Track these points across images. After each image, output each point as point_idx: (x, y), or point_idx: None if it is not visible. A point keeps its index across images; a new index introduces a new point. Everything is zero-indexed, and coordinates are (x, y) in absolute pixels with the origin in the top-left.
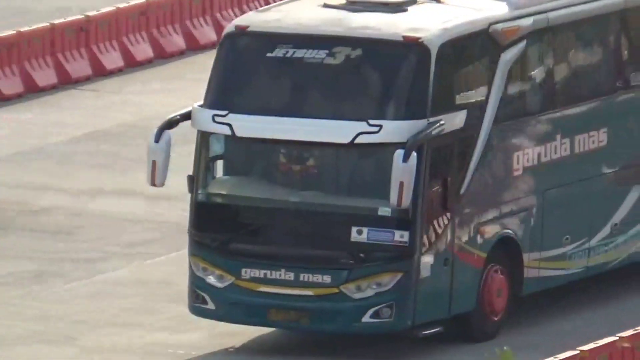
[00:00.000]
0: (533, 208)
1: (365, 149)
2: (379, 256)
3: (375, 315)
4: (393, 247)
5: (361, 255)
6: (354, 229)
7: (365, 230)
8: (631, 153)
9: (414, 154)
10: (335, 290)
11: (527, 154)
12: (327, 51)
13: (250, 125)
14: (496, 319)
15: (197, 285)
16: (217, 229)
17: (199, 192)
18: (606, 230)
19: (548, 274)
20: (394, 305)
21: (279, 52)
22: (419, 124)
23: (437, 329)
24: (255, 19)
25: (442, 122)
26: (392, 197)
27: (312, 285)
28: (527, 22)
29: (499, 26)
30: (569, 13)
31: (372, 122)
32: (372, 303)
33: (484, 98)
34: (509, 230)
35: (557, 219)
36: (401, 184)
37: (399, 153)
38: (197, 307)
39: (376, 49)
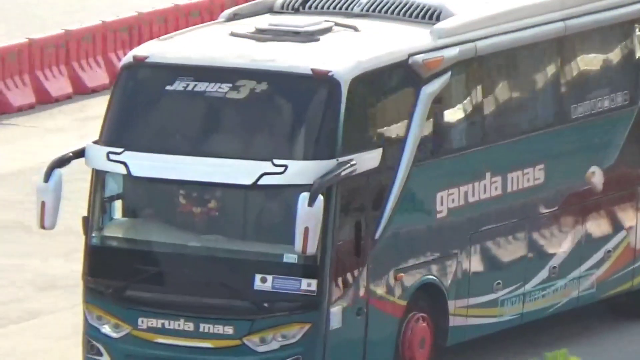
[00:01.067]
0: (460, 252)
1: (270, 191)
2: (284, 306)
3: None
4: (300, 296)
5: (265, 305)
6: (258, 277)
7: (269, 278)
8: (571, 191)
9: (321, 197)
10: (238, 342)
11: (452, 195)
12: (230, 85)
13: (147, 164)
14: None
15: (91, 335)
16: (112, 275)
17: (93, 235)
18: (543, 273)
19: (477, 322)
20: (301, 359)
21: (179, 85)
22: (327, 164)
23: None
24: (155, 49)
25: (353, 162)
26: (296, 244)
27: (212, 337)
28: (452, 52)
29: (420, 57)
30: (501, 41)
31: (277, 162)
32: (278, 357)
33: (402, 135)
34: (432, 277)
35: (487, 263)
36: (306, 230)
37: (304, 196)
38: (91, 359)
39: (283, 83)
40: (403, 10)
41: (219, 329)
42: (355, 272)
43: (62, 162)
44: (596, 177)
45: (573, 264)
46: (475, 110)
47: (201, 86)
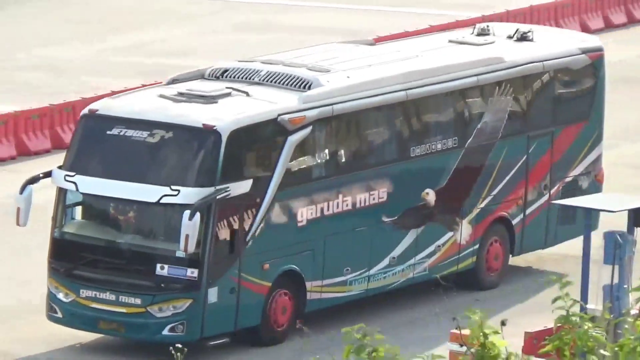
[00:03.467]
0: (316, 249)
1: (168, 207)
2: (175, 287)
3: (172, 330)
4: (186, 280)
5: (162, 285)
6: (158, 265)
7: (166, 267)
8: (408, 205)
9: (198, 213)
10: (143, 310)
11: (310, 210)
12: (148, 132)
13: (90, 184)
14: (280, 329)
15: (51, 299)
16: (65, 258)
17: (55, 230)
18: (385, 262)
19: (329, 296)
20: (186, 323)
21: (115, 131)
22: (207, 190)
23: (225, 339)
24: (104, 104)
25: (228, 189)
26: (181, 245)
27: (127, 305)
28: (313, 112)
29: (286, 116)
30: (352, 105)
31: (173, 187)
32: (170, 321)
33: (271, 169)
34: (293, 266)
35: (338, 255)
36: (187, 236)
37: (187, 212)
38: (51, 315)
39: (183, 133)
40: (286, 81)
41: (131, 300)
42: (230, 264)
43: (33, 180)
44: (429, 196)
45: (409, 254)
46: (333, 151)
47: (129, 132)
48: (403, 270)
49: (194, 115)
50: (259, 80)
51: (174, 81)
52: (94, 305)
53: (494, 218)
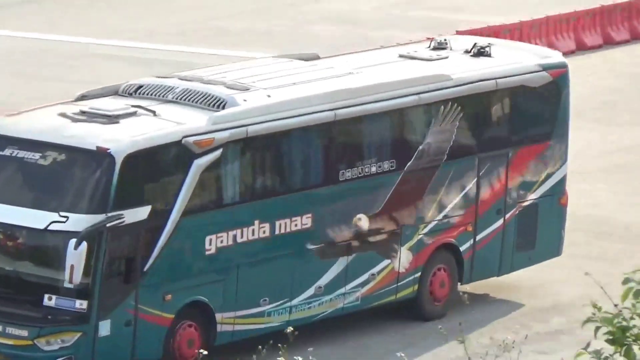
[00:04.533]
0: (227, 278)
1: (56, 234)
2: (64, 319)
3: None
4: (74, 312)
5: (49, 317)
6: (46, 296)
7: (54, 297)
8: (337, 232)
9: (84, 242)
10: (30, 342)
11: (220, 237)
12: (40, 154)
13: None
14: None
15: None
16: None
17: None
18: (310, 291)
19: (244, 328)
20: (74, 358)
21: (7, 152)
22: (98, 217)
23: None
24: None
25: (122, 216)
26: (66, 276)
27: (13, 337)
28: (224, 134)
29: (191, 138)
30: (270, 126)
31: (62, 213)
32: (58, 355)
33: (173, 195)
34: (200, 296)
35: (253, 285)
36: (72, 266)
37: (72, 241)
38: None
39: (76, 155)
40: (200, 99)
41: (18, 331)
42: (125, 295)
43: None
44: (362, 221)
45: (338, 283)
46: (248, 175)
47: (22, 153)
48: (331, 300)
49: (89, 136)
50: (173, 98)
51: (82, 97)
52: None
53: (439, 244)
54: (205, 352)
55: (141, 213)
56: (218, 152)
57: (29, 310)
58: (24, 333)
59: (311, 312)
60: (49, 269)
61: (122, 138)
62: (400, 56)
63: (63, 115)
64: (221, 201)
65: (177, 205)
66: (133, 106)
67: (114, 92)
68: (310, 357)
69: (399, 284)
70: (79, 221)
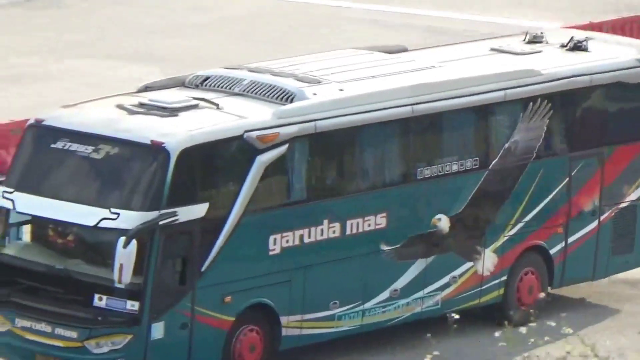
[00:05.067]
0: (293, 280)
1: (107, 232)
2: (114, 320)
3: None
4: (125, 313)
5: (99, 318)
6: (96, 296)
7: (104, 298)
8: (413, 232)
9: (134, 241)
10: (80, 344)
11: (286, 237)
12: (93, 147)
13: (27, 203)
14: None
15: None
16: (3, 283)
17: None
18: (385, 294)
19: (312, 332)
20: None
21: (59, 144)
22: (150, 215)
23: None
24: (52, 115)
25: (176, 213)
26: (115, 276)
27: (63, 338)
28: (291, 129)
29: (254, 133)
30: (342, 122)
31: (113, 210)
32: (108, 358)
33: (234, 192)
34: (263, 299)
35: (323, 287)
36: (121, 266)
37: (121, 240)
38: None
39: (129, 149)
40: (268, 92)
41: (67, 333)
42: (180, 296)
43: None
44: (442, 222)
45: (415, 287)
46: (316, 171)
47: (74, 147)
48: (408, 305)
49: (144, 130)
50: (240, 90)
51: (146, 89)
52: (30, 336)
53: (527, 247)
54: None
55: (197, 211)
56: (284, 148)
57: (79, 310)
58: (74, 334)
59: (386, 316)
60: (99, 267)
61: (178, 132)
62: (492, 49)
63: (120, 107)
64: (287, 199)
65: (238, 203)
66: (195, 99)
67: (181, 83)
68: None
69: (482, 287)
70: (130, 218)
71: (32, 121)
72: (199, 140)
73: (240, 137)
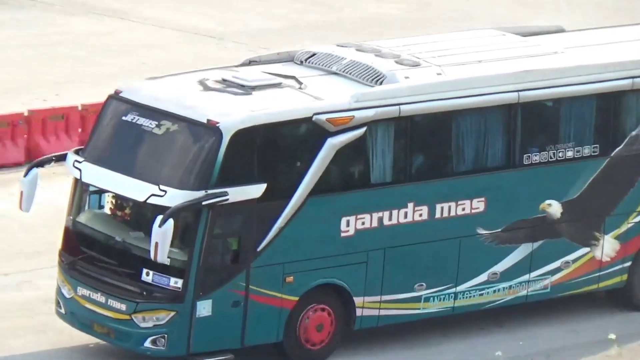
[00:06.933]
0: (369, 261)
1: (155, 208)
2: (159, 296)
3: (153, 342)
4: (169, 290)
5: (144, 293)
6: (144, 270)
7: (151, 273)
8: (518, 217)
9: (171, 220)
10: (128, 317)
11: (362, 219)
12: (157, 122)
13: (92, 173)
14: (315, 348)
15: (58, 293)
16: (70, 251)
17: (67, 219)
18: (482, 277)
19: (392, 313)
20: (167, 337)
21: (129, 117)
22: (195, 194)
23: (228, 356)
24: (130, 87)
25: (225, 194)
26: (151, 254)
27: (113, 310)
28: (368, 112)
29: (324, 116)
30: (425, 107)
31: (162, 187)
32: (151, 333)
33: (299, 173)
34: (334, 279)
35: (404, 270)
36: (156, 244)
37: (158, 218)
38: (57, 310)
39: (187, 127)
40: (361, 73)
41: (117, 305)
42: (231, 275)
43: (41, 163)
44: (552, 208)
45: (518, 271)
46: (399, 155)
47: (141, 121)
48: (510, 288)
49: (205, 108)
50: (337, 69)
51: (250, 62)
52: (88, 305)
53: None
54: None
55: (253, 191)
56: (360, 131)
57: (129, 284)
58: (123, 307)
59: (483, 299)
60: (148, 243)
61: (237, 112)
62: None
63: (200, 82)
64: (363, 182)
65: (304, 185)
66: (285, 76)
67: (290, 58)
68: None
69: (601, 273)
70: (175, 196)
71: (112, 92)
72: (259, 121)
73: (308, 119)
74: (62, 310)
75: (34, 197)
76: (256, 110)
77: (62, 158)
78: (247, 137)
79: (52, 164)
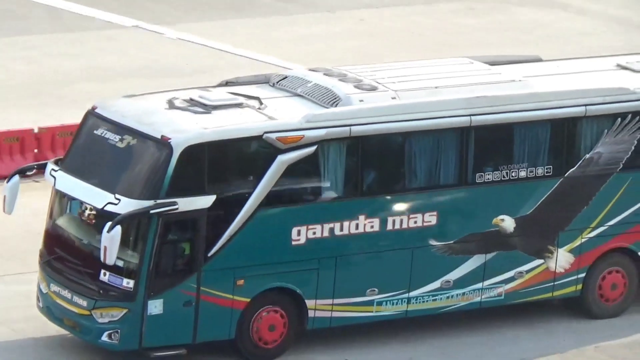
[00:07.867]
0: (321, 268)
1: (109, 215)
2: (113, 294)
3: (109, 337)
4: (122, 289)
5: (101, 291)
6: (102, 271)
7: (108, 273)
8: (470, 231)
9: (118, 226)
10: (88, 313)
11: (313, 229)
12: (120, 137)
13: (63, 181)
14: (268, 346)
15: (37, 288)
16: (48, 250)
17: (46, 223)
18: (435, 284)
19: (345, 315)
20: (120, 332)
21: (99, 131)
22: (145, 203)
23: (177, 351)
24: (104, 103)
25: (175, 203)
26: (101, 256)
27: (77, 306)
28: (318, 132)
29: (275, 134)
30: (374, 128)
31: (117, 196)
32: (107, 328)
33: (249, 187)
34: (285, 284)
35: (356, 276)
36: (105, 248)
37: (107, 224)
38: (38, 304)
39: (143, 142)
40: (320, 96)
41: (80, 301)
42: (182, 277)
43: (23, 170)
44: (505, 222)
45: (470, 280)
46: (353, 171)
47: (108, 135)
48: (464, 295)
49: (163, 125)
50: (301, 92)
51: (227, 84)
52: (58, 301)
53: (609, 248)
54: None
55: (202, 202)
56: (311, 149)
57: (90, 282)
58: (84, 303)
59: (435, 304)
60: None
61: (189, 129)
62: (618, 65)
63: (168, 101)
64: (314, 196)
65: (254, 197)
66: (249, 97)
67: (266, 80)
68: None
69: (555, 283)
70: (127, 205)
71: (90, 107)
72: (209, 138)
73: (259, 137)
74: (40, 304)
75: (15, 201)
76: (209, 128)
77: (42, 167)
78: (197, 152)
79: (34, 171)
